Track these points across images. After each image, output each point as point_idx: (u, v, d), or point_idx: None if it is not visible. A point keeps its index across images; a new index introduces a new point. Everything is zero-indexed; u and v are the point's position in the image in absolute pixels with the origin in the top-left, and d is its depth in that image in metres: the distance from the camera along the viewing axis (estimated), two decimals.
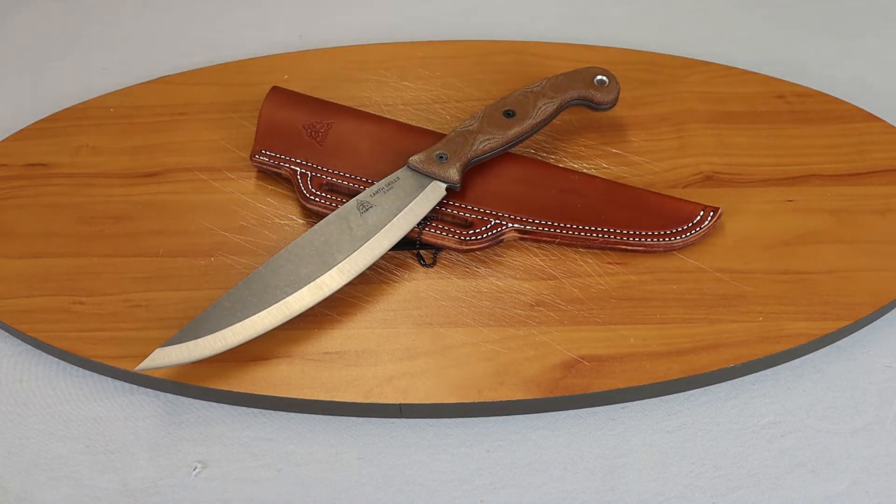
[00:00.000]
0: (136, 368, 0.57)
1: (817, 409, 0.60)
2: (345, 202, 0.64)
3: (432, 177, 0.63)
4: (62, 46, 0.83)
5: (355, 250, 0.60)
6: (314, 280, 0.59)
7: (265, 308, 0.58)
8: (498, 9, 0.85)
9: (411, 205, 0.62)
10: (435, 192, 0.63)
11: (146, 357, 0.57)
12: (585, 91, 0.67)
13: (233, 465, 0.58)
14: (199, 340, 0.57)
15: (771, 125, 0.71)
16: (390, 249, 0.62)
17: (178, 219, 0.66)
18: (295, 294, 0.58)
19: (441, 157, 0.63)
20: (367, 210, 0.62)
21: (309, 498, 0.57)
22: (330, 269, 0.59)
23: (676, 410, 0.60)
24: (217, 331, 0.57)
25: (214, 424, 0.60)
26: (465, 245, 0.63)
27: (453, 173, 0.63)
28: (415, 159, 0.63)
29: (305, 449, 0.59)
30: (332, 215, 0.62)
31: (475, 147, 0.64)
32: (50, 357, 0.63)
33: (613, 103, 0.68)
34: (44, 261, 0.64)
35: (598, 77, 0.68)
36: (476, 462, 0.58)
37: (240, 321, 0.57)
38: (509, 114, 0.65)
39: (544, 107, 0.66)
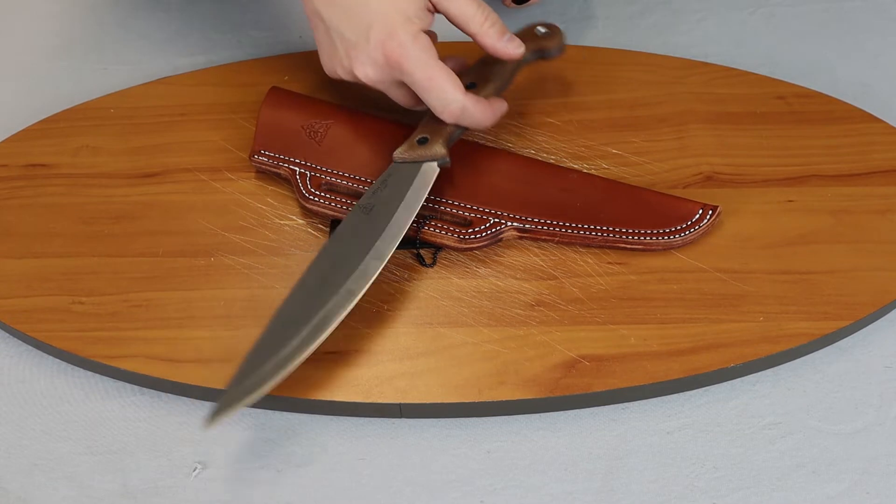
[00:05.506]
0: (206, 426, 0.53)
1: (818, 410, 0.60)
2: (344, 202, 0.64)
3: (421, 160, 0.63)
4: (62, 46, 0.83)
5: (373, 245, 0.59)
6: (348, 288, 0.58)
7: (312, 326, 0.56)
8: (498, 9, 0.85)
9: (410, 191, 0.62)
10: (429, 173, 0.63)
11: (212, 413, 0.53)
12: (535, 44, 0.69)
13: (233, 465, 0.58)
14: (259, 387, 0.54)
15: (771, 126, 0.71)
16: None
17: (178, 219, 0.66)
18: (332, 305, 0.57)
19: (422, 141, 0.64)
20: (370, 210, 0.61)
21: (309, 498, 0.57)
22: (357, 270, 0.58)
23: (677, 411, 0.60)
24: (270, 378, 0.54)
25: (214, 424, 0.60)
26: (465, 244, 0.63)
27: (439, 149, 0.63)
28: (398, 152, 0.64)
29: (305, 449, 0.59)
30: (339, 228, 0.61)
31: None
32: (50, 357, 0.63)
33: (563, 47, 0.70)
34: (44, 261, 0.64)
35: (539, 29, 0.70)
36: (476, 462, 0.58)
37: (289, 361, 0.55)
38: (471, 86, 0.66)
39: (500, 71, 0.67)
